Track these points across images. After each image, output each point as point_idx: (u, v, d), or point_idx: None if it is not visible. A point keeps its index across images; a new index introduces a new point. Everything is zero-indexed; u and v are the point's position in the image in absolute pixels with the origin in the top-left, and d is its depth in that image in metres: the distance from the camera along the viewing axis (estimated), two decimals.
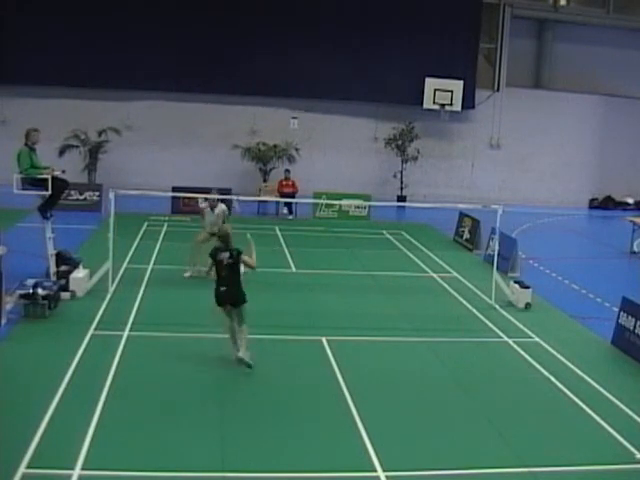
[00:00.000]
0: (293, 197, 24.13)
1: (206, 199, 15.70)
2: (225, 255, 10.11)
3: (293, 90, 28.32)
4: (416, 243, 20.36)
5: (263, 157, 27.35)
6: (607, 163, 31.60)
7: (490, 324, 13.09)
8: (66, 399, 8.79)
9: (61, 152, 24.92)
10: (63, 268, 13.39)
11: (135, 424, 8.28)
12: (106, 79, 26.82)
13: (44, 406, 8.48)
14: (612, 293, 14.29)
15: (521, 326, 12.99)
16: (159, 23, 26.90)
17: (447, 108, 28.89)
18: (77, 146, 25.80)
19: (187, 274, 15.07)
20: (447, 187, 30.24)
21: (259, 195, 24.89)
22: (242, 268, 10.45)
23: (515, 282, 14.65)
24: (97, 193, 23.32)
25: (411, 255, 18.78)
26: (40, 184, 13.03)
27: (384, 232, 21.91)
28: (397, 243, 20.46)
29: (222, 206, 15.47)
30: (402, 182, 29.28)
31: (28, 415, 8.24)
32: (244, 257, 10.23)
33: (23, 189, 13.30)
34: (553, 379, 10.45)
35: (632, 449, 8.35)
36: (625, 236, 21.42)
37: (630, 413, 9.36)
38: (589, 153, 31.70)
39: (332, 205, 24.12)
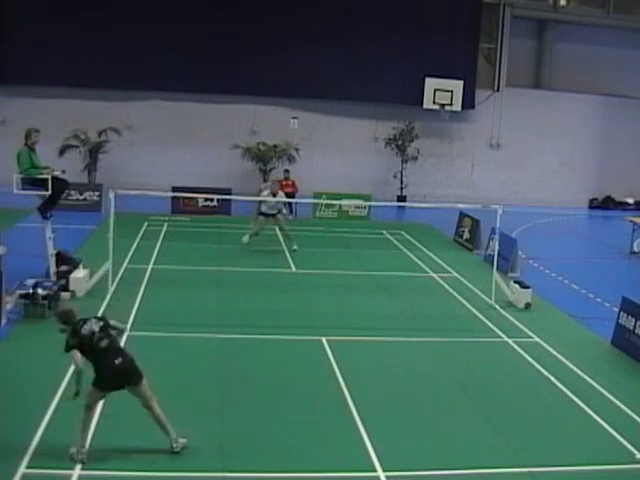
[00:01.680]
0: (293, 197, 24.13)
1: (272, 182, 19.26)
2: (90, 324, 7.61)
3: (293, 90, 28.30)
4: (416, 243, 20.36)
5: (263, 157, 27.35)
6: (607, 163, 31.58)
7: (490, 324, 13.09)
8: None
9: (61, 152, 24.91)
10: (63, 268, 13.39)
11: (135, 424, 8.26)
12: (106, 79, 26.80)
13: (44, 406, 8.48)
14: (612, 293, 14.29)
15: (521, 326, 12.99)
16: (159, 23, 26.87)
17: (447, 108, 28.89)
18: (77, 146, 25.79)
19: (245, 239, 17.99)
20: (447, 187, 30.22)
21: (259, 195, 24.83)
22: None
23: (515, 282, 14.65)
24: (97, 193, 23.32)
25: (411, 255, 18.78)
26: (40, 184, 13.02)
27: (384, 232, 21.91)
28: (397, 243, 20.45)
29: (282, 194, 18.78)
30: (402, 182, 29.26)
31: (28, 415, 8.24)
32: (112, 322, 7.96)
33: (23, 189, 13.29)
34: (553, 379, 10.45)
35: (632, 449, 8.36)
36: (625, 236, 21.42)
37: (630, 413, 9.37)
38: (589, 153, 31.68)
39: (332, 205, 24.11)
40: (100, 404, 7.92)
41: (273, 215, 18.30)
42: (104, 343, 7.51)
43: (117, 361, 7.46)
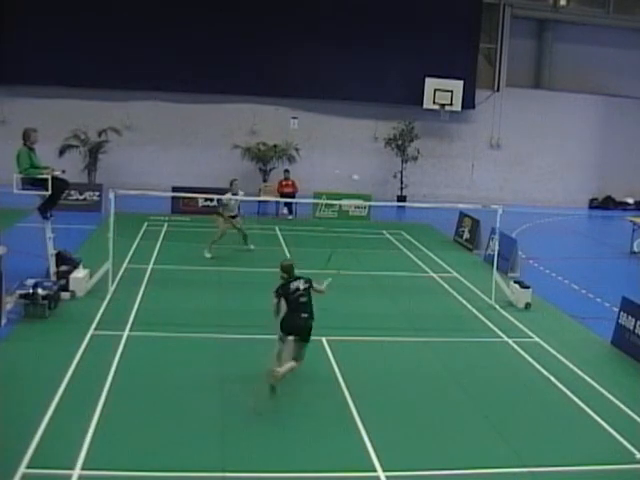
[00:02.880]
0: (293, 197, 24.13)
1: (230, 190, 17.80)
2: (298, 282, 9.54)
3: (293, 90, 28.32)
4: (416, 243, 20.36)
5: (263, 157, 27.36)
6: (607, 163, 31.59)
7: (490, 324, 13.09)
8: (66, 399, 8.80)
9: (61, 152, 24.90)
10: (63, 268, 13.39)
11: (135, 424, 8.28)
12: (106, 79, 26.81)
13: (44, 406, 8.48)
14: (612, 293, 14.29)
15: (521, 326, 12.99)
16: (159, 23, 26.88)
17: (447, 108, 28.90)
18: (77, 146, 25.78)
19: (208, 255, 16.95)
20: (447, 187, 30.23)
21: (259, 195, 24.91)
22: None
23: (515, 282, 14.65)
24: (97, 193, 23.32)
25: (411, 255, 18.78)
26: (40, 184, 13.02)
27: (384, 232, 21.91)
28: (397, 243, 20.45)
29: (241, 192, 17.81)
30: (402, 182, 29.27)
31: (28, 415, 8.24)
32: (315, 285, 9.76)
33: (23, 189, 13.29)
34: (553, 379, 10.45)
35: (632, 449, 8.36)
36: (625, 236, 21.42)
37: (630, 413, 9.37)
38: (589, 153, 31.69)
39: (332, 205, 24.12)
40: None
41: (232, 217, 17.64)
42: (304, 299, 9.46)
43: (303, 315, 9.41)
